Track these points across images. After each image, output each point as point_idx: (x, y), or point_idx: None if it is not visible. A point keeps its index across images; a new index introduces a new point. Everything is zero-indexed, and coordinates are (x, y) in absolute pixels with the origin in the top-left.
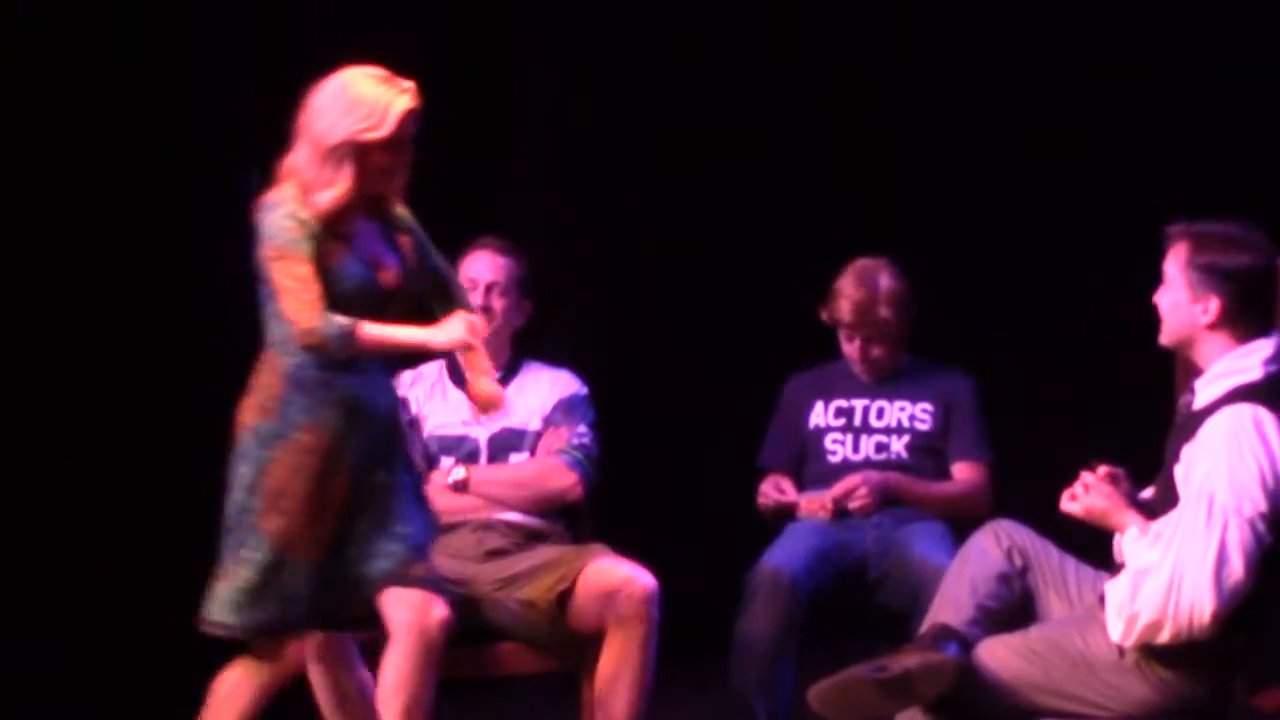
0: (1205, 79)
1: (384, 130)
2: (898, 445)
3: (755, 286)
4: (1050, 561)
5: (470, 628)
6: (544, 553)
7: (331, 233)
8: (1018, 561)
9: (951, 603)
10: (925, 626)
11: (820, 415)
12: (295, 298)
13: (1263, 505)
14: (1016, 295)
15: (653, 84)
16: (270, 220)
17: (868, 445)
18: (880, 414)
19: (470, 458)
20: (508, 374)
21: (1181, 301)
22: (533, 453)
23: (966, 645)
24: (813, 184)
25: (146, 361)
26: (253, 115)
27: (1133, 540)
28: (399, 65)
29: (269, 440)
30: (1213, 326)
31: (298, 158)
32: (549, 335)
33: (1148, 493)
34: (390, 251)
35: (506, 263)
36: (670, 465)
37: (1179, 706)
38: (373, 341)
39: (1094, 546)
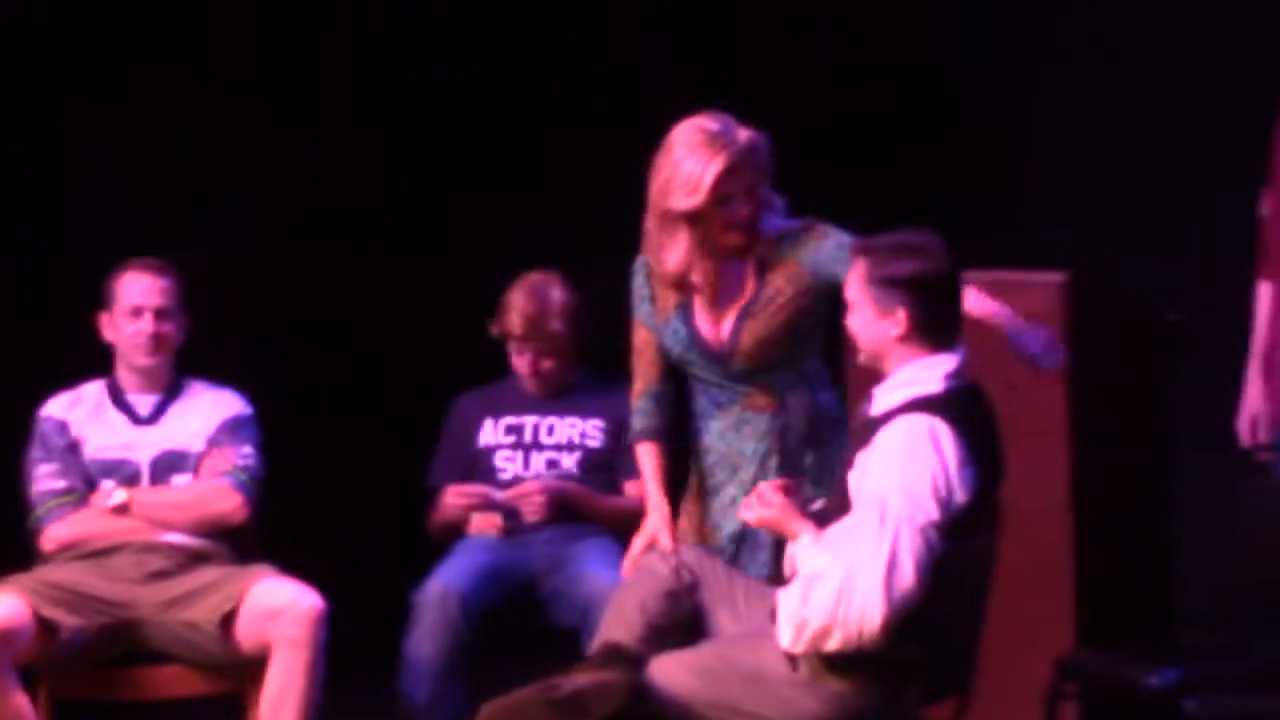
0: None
1: (699, 198)
2: (569, 462)
3: (423, 304)
4: (719, 577)
5: (132, 650)
6: (208, 574)
7: (681, 288)
8: (686, 578)
9: (622, 620)
10: (596, 645)
11: (490, 433)
12: (633, 364)
13: (935, 514)
14: None
15: (318, 92)
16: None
17: (538, 462)
18: (551, 430)
19: (131, 480)
20: (169, 395)
21: (869, 319)
22: (196, 474)
23: (638, 663)
24: (481, 199)
25: None
26: None
27: (805, 547)
28: None
29: None
30: (904, 338)
31: (647, 220)
32: (212, 353)
33: (819, 504)
34: (747, 303)
35: (167, 284)
36: (337, 485)
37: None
38: (638, 462)
39: None
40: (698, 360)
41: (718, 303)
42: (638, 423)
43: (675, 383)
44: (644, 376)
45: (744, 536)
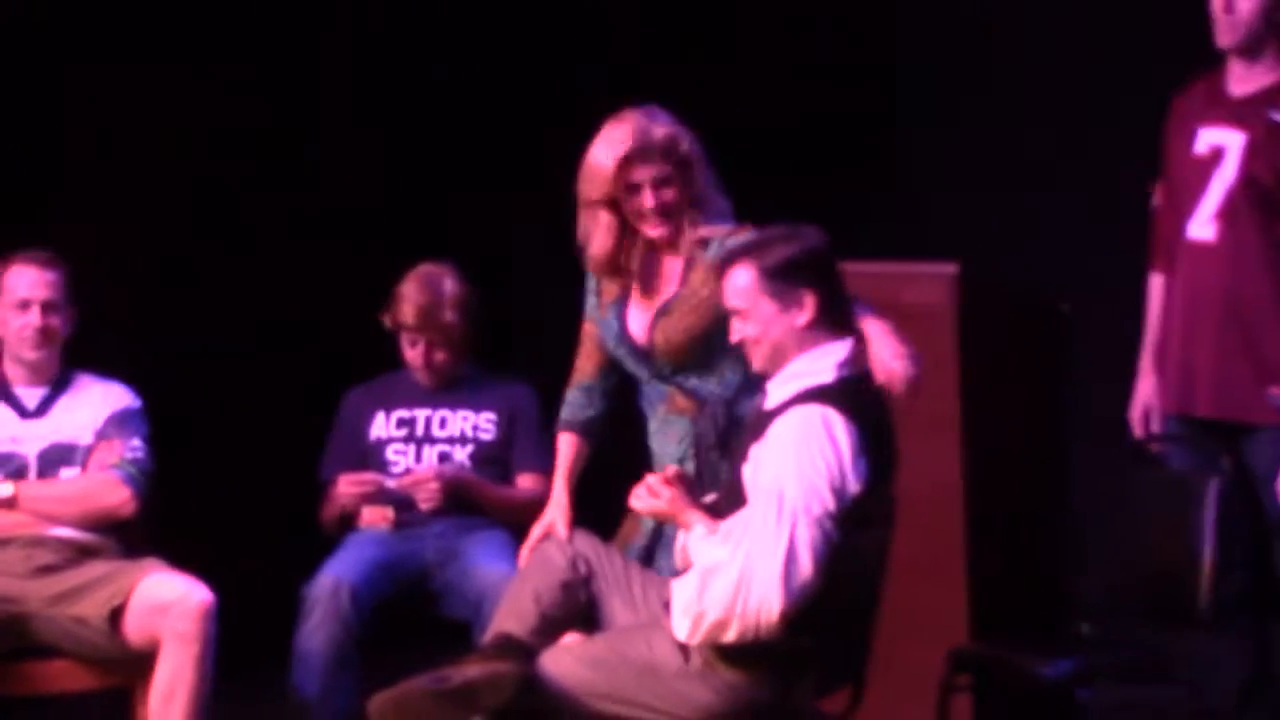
0: None
1: (602, 189)
2: (461, 455)
3: (315, 297)
4: (614, 568)
5: (19, 645)
6: (96, 568)
7: (615, 278)
8: (582, 569)
9: (515, 612)
10: (488, 636)
11: (381, 426)
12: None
13: (831, 505)
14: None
15: (206, 86)
16: None
17: (430, 455)
18: (443, 423)
19: (18, 474)
20: (57, 388)
21: (769, 317)
22: (84, 467)
23: (530, 654)
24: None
25: None
26: None
27: (700, 539)
28: None
29: None
30: (811, 324)
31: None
32: (101, 345)
33: (711, 497)
34: (666, 301)
35: (55, 277)
36: (228, 478)
37: (744, 711)
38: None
39: None
40: (627, 356)
41: (649, 297)
42: (564, 412)
43: (615, 380)
44: (580, 369)
45: (659, 534)
